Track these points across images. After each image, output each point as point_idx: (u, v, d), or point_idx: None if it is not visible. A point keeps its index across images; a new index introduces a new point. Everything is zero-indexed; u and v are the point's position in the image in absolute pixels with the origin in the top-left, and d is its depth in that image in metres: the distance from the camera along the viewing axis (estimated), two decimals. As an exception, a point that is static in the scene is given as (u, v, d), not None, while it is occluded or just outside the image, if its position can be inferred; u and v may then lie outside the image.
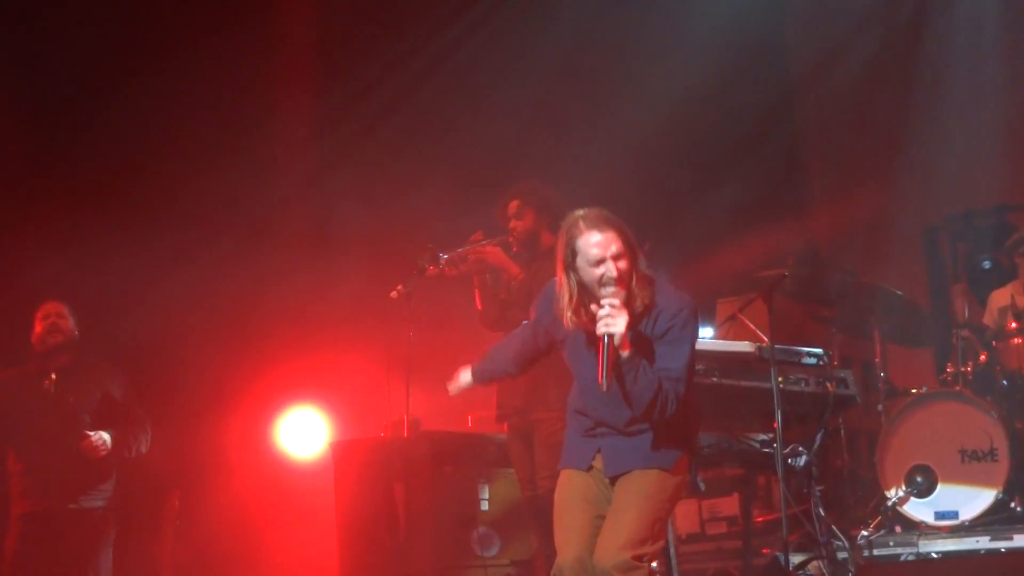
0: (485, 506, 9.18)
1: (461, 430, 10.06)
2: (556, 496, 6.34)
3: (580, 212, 6.10)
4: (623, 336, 5.88)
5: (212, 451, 10.57)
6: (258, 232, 10.74)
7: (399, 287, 8.53)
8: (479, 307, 8.73)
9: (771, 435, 7.77)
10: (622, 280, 5.98)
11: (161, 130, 10.46)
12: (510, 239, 8.58)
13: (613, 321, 5.88)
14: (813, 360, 8.33)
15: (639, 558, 6.00)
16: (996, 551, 8.25)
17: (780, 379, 7.92)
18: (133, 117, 10.43)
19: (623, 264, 5.99)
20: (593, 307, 5.98)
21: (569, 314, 6.07)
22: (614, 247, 5.99)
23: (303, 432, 10.98)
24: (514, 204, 8.62)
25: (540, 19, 10.90)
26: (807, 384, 8.20)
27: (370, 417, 9.66)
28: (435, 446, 9.09)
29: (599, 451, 6.25)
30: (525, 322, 6.73)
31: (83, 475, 8.70)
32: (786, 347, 8.20)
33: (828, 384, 8.30)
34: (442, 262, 8.56)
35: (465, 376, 6.96)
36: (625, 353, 5.91)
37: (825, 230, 10.68)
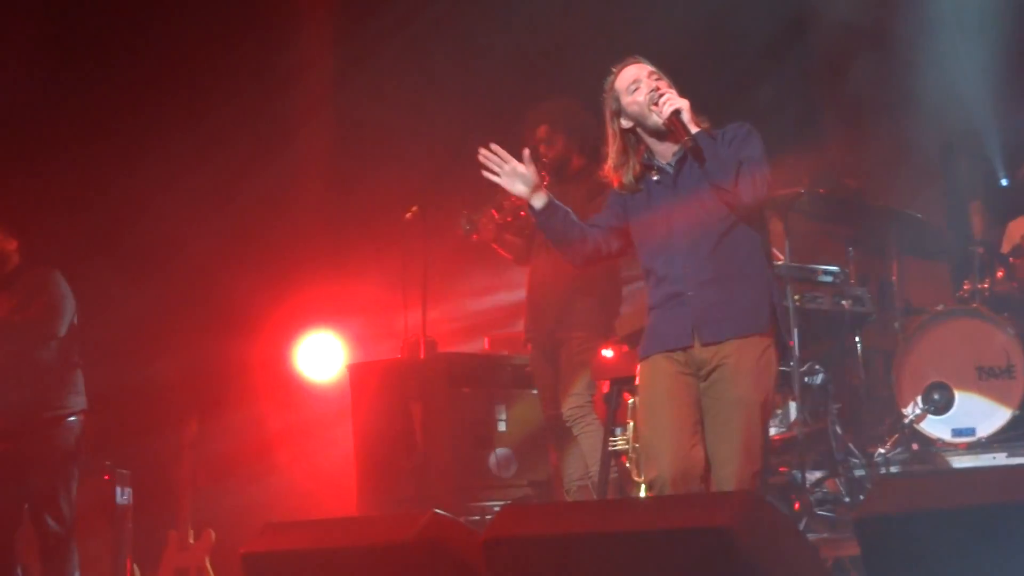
0: (503, 427, 9.20)
1: (478, 351, 10.08)
2: (642, 391, 6.09)
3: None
4: (690, 112, 5.82)
5: (230, 375, 10.60)
6: (275, 148, 10.70)
7: (414, 208, 8.50)
8: (510, 258, 8.70)
9: (787, 353, 7.75)
10: (665, 94, 5.92)
11: (178, 40, 10.41)
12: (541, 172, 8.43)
13: (675, 99, 5.84)
14: (829, 278, 8.32)
15: (760, 475, 5.90)
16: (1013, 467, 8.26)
17: (796, 297, 7.91)
18: (148, 28, 10.38)
19: (663, 83, 5.97)
20: (652, 106, 5.90)
21: (623, 168, 6.04)
22: (647, 70, 6.02)
23: (321, 355, 11.01)
24: (543, 128, 8.40)
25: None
26: (823, 302, 8.18)
27: (387, 339, 9.67)
28: (452, 367, 9.10)
29: (693, 323, 5.91)
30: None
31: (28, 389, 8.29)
32: (802, 265, 8.19)
33: (844, 302, 8.29)
34: (478, 222, 8.48)
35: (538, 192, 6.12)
36: (695, 129, 5.82)
37: (841, 149, 10.62)
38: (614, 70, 6.09)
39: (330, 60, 10.94)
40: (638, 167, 6.04)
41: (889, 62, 10.63)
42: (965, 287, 9.06)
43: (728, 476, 5.78)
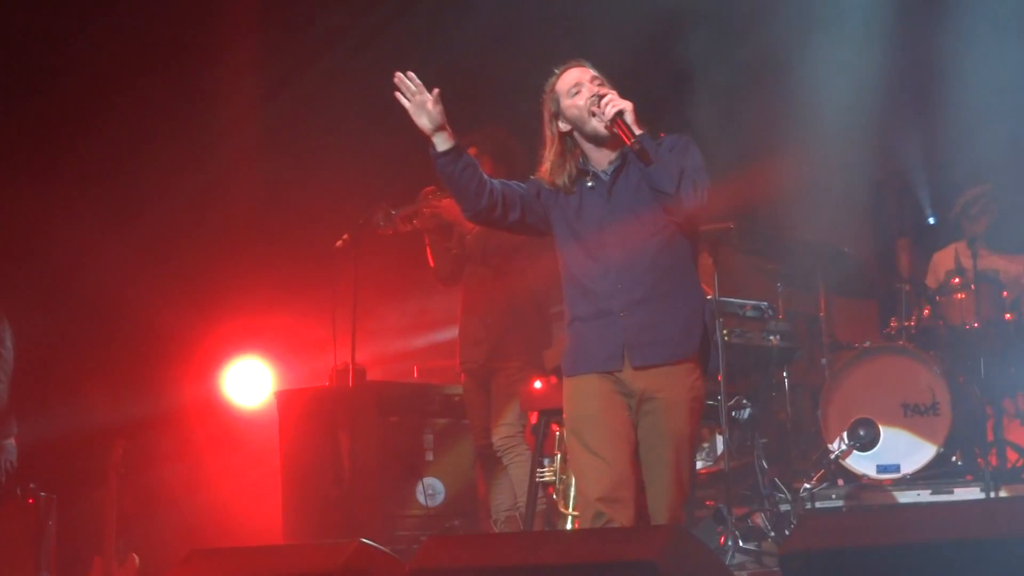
0: (430, 456, 9.20)
1: (407, 380, 10.08)
2: (574, 409, 5.91)
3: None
4: (634, 114, 5.75)
5: (156, 401, 10.52)
6: (204, 185, 10.63)
7: (345, 236, 8.50)
8: (431, 264, 8.68)
9: (715, 387, 7.79)
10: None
11: (105, 86, 10.32)
12: None
13: (617, 100, 5.77)
14: (757, 313, 8.38)
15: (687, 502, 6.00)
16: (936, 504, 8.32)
17: (724, 332, 7.96)
18: (75, 73, 10.29)
19: (604, 89, 5.88)
20: (592, 108, 5.82)
21: (560, 171, 5.94)
22: (589, 74, 5.95)
23: (249, 381, 10.95)
24: (470, 152, 8.50)
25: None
26: (751, 336, 8.25)
27: (316, 367, 9.65)
28: (380, 396, 9.10)
29: (623, 344, 5.81)
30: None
31: None
32: (730, 299, 8.25)
33: (772, 337, 8.36)
34: (396, 218, 8.51)
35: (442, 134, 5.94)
36: (639, 132, 5.74)
37: (768, 185, 10.68)
38: (556, 71, 6.01)
39: (257, 74, 10.86)
40: (575, 171, 5.94)
41: (812, 99, 10.71)
42: (892, 324, 9.15)
43: (660, 507, 5.78)
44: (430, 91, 5.88)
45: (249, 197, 10.86)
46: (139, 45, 10.31)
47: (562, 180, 5.95)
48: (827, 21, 10.25)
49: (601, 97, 5.83)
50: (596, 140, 5.93)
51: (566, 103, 5.93)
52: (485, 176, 6.03)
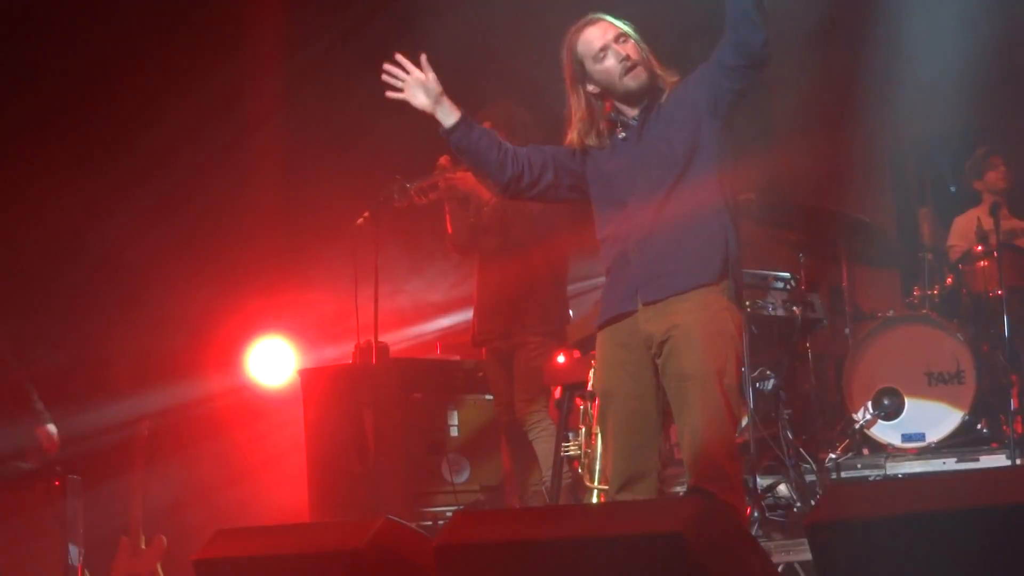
0: (455, 432, 9.21)
1: (429, 356, 10.08)
2: (595, 377, 5.80)
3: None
4: None
5: (181, 382, 10.56)
6: (223, 159, 10.64)
7: (365, 213, 8.49)
8: (449, 231, 8.67)
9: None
10: (637, 61, 5.69)
11: (122, 51, 10.33)
12: None
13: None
14: (780, 284, 8.36)
15: (734, 451, 5.54)
16: (962, 472, 8.31)
17: (747, 303, 7.94)
18: (89, 39, 10.29)
19: (630, 45, 5.70)
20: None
21: (590, 131, 5.75)
22: (611, 32, 5.73)
23: (272, 360, 10.97)
24: (485, 126, 8.53)
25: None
26: (774, 308, 8.23)
27: (339, 344, 9.65)
28: (403, 372, 9.10)
29: (636, 282, 5.62)
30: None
31: None
32: (753, 271, 8.23)
33: (795, 308, 8.33)
34: (411, 192, 8.51)
35: (442, 105, 5.80)
36: None
37: (790, 156, 10.66)
38: (572, 29, 5.79)
39: (281, 67, 10.86)
40: (604, 125, 5.77)
41: (838, 71, 10.68)
42: (915, 293, 9.13)
43: (696, 457, 5.47)
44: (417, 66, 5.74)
45: (270, 178, 10.87)
46: (167, 49, 10.36)
47: (592, 140, 5.78)
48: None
49: (631, 68, 5.67)
50: (628, 98, 5.76)
51: (594, 67, 5.73)
52: (505, 143, 5.89)
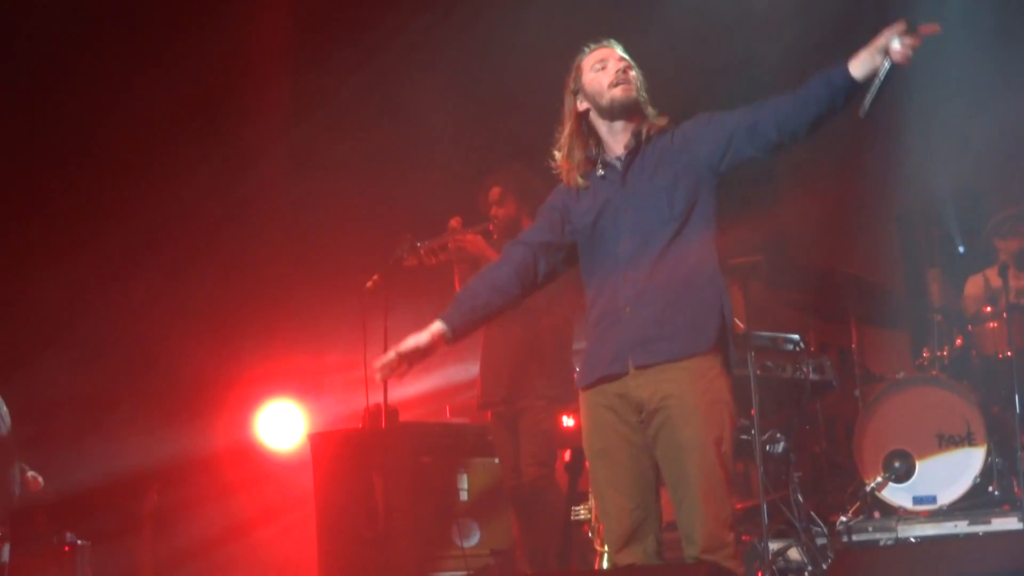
0: (464, 496, 9.18)
1: (438, 420, 10.07)
2: (583, 436, 5.59)
3: None
4: None
5: (190, 447, 10.55)
6: (232, 223, 10.68)
7: (375, 277, 8.51)
8: (457, 289, 8.68)
9: (748, 422, 7.76)
10: (630, 82, 5.62)
11: (126, 117, 10.37)
12: (490, 226, 8.55)
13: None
14: (790, 346, 8.36)
15: (732, 521, 5.41)
16: (974, 535, 8.27)
17: (756, 366, 7.93)
18: (97, 106, 10.34)
19: (632, 72, 5.64)
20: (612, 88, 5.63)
21: (572, 153, 5.64)
22: (617, 54, 5.71)
23: (281, 425, 10.96)
24: (495, 191, 8.59)
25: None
26: (784, 370, 8.22)
27: (348, 408, 9.65)
28: (413, 436, 9.09)
29: (627, 343, 5.43)
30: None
31: None
32: (762, 333, 8.22)
33: (805, 370, 8.32)
34: (420, 251, 8.53)
35: (422, 337, 5.60)
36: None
37: (796, 218, 10.68)
38: (586, 49, 5.76)
39: (289, 131, 10.89)
40: (583, 159, 5.67)
41: (843, 129, 10.69)
42: (924, 355, 9.12)
43: (693, 529, 5.37)
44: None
45: (280, 242, 10.90)
46: (171, 102, 10.38)
47: (575, 157, 5.67)
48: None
49: (622, 82, 5.61)
50: (612, 114, 5.64)
51: (588, 76, 5.67)
52: (498, 274, 5.73)
